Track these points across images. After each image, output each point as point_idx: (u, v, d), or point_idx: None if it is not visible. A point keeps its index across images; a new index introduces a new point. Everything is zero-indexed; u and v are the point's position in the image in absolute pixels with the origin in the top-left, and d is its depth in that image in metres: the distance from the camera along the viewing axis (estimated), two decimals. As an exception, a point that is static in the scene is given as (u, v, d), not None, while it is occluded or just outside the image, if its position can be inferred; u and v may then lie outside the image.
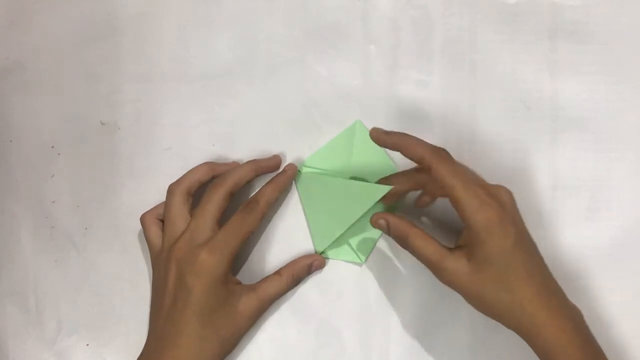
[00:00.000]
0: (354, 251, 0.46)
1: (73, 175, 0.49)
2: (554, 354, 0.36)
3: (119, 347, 0.47)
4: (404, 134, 0.41)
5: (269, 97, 0.48)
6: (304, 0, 0.48)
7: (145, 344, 0.42)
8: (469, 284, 0.38)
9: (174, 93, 0.49)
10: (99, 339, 0.47)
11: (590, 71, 0.47)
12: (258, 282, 0.43)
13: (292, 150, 0.47)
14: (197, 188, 0.44)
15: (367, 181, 0.45)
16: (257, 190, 0.44)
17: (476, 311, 0.39)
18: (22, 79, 0.49)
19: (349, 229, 0.45)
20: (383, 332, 0.46)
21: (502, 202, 0.38)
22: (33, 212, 0.49)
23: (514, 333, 0.38)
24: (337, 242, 0.46)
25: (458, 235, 0.41)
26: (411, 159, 0.40)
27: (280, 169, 0.46)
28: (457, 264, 0.38)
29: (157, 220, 0.44)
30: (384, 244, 0.46)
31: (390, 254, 0.46)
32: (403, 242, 0.41)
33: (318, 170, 0.47)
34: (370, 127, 0.46)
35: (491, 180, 0.46)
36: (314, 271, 0.46)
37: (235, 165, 0.46)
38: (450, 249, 0.39)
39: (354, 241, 0.46)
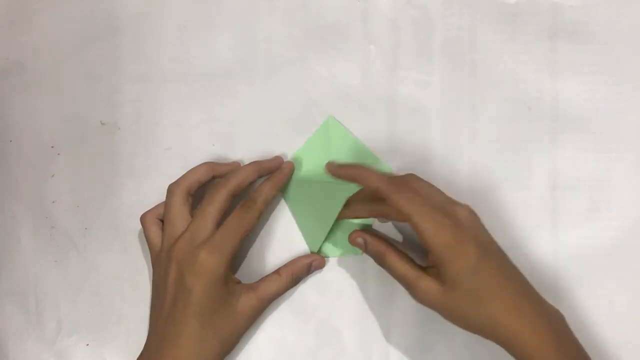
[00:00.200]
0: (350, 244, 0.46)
1: (73, 175, 0.49)
2: None
3: (119, 347, 0.47)
4: (359, 165, 0.42)
5: (269, 97, 0.48)
6: (304, 0, 0.48)
7: (145, 343, 0.42)
8: (441, 303, 0.38)
9: (174, 93, 0.49)
10: (99, 339, 0.47)
11: (590, 71, 0.47)
12: (257, 282, 0.43)
13: (292, 150, 0.47)
14: (197, 188, 0.44)
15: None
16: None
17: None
18: (22, 79, 0.49)
19: (339, 224, 0.45)
20: (383, 332, 0.46)
21: (460, 221, 0.38)
22: (33, 212, 0.49)
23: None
24: (332, 239, 0.46)
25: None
26: (368, 189, 0.41)
27: None
28: (428, 283, 0.39)
29: (157, 220, 0.44)
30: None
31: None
32: (379, 260, 0.42)
33: (298, 173, 0.47)
34: (368, 124, 0.47)
35: (491, 180, 0.46)
36: (313, 271, 0.46)
37: (235, 165, 0.46)
38: (423, 269, 0.40)
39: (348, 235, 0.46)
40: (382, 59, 0.48)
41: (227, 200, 0.42)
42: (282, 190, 0.47)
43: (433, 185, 0.42)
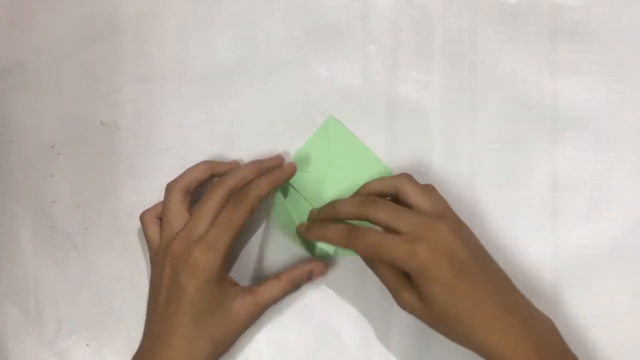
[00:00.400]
0: None
1: (73, 175, 0.49)
2: None
3: (119, 347, 0.47)
4: (319, 230, 0.42)
5: (269, 97, 0.48)
6: (304, 0, 0.48)
7: (141, 342, 0.42)
8: (422, 316, 0.39)
9: (174, 93, 0.49)
10: (99, 339, 0.47)
11: (590, 71, 0.47)
12: (255, 285, 0.43)
13: (293, 150, 0.47)
14: (195, 186, 0.44)
15: (352, 174, 0.46)
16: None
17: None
18: (22, 79, 0.49)
19: None
20: (383, 332, 0.46)
21: (430, 243, 0.38)
22: (33, 212, 0.49)
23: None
24: None
25: None
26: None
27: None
28: (409, 295, 0.39)
29: (156, 219, 0.44)
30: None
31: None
32: (369, 265, 0.42)
33: (298, 173, 0.47)
34: (368, 124, 0.47)
35: (491, 180, 0.46)
36: (314, 278, 0.45)
37: (235, 164, 0.46)
38: (408, 280, 0.39)
39: None
40: (382, 59, 0.48)
41: (224, 198, 0.42)
42: (283, 194, 0.47)
43: (422, 191, 0.41)
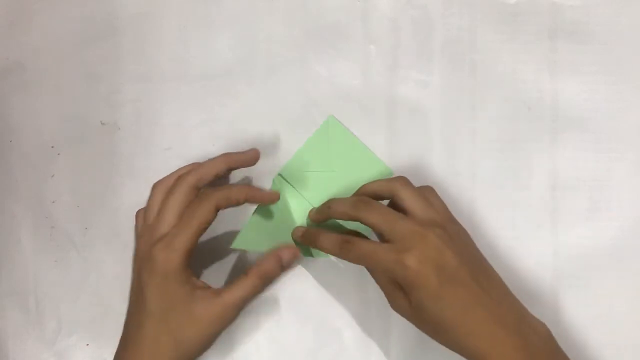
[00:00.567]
0: None
1: (73, 175, 0.49)
2: None
3: (119, 347, 0.47)
4: (313, 237, 0.42)
5: (269, 97, 0.48)
6: (304, 0, 0.48)
7: (118, 344, 0.42)
8: (413, 321, 0.39)
9: (174, 93, 0.49)
10: (99, 339, 0.47)
11: (590, 71, 0.47)
12: (223, 286, 0.41)
13: (292, 150, 0.47)
14: None
15: (352, 174, 0.46)
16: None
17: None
18: (22, 79, 0.49)
19: (337, 226, 0.45)
20: (383, 332, 0.46)
21: (420, 250, 0.37)
22: (33, 212, 0.49)
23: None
24: None
25: None
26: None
27: (256, 164, 0.45)
28: (401, 300, 0.39)
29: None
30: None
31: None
32: (367, 269, 0.42)
33: (299, 172, 0.47)
34: (368, 124, 0.47)
35: (491, 180, 0.46)
36: (287, 265, 0.42)
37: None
38: (400, 286, 0.39)
39: None
40: (382, 59, 0.48)
41: (187, 192, 0.41)
42: (261, 214, 0.46)
43: (418, 196, 0.41)
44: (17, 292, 0.48)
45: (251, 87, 0.48)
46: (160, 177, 0.45)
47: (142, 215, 0.44)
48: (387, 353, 0.46)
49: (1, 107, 0.49)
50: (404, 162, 0.47)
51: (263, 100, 0.48)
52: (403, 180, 0.42)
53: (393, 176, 0.44)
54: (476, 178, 0.47)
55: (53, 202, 0.48)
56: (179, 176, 0.42)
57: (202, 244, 0.43)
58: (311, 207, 0.46)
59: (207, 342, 0.40)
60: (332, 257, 0.46)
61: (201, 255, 0.45)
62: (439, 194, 0.42)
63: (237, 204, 0.41)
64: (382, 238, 0.39)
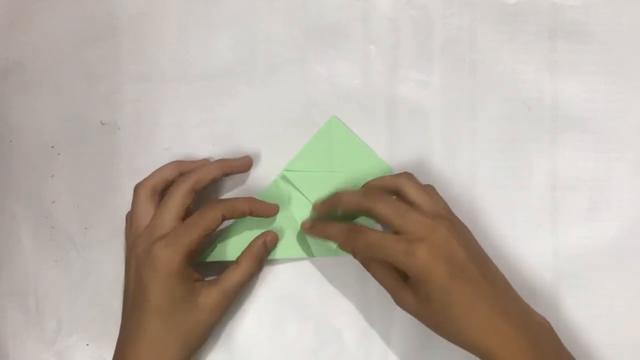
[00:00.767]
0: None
1: (73, 175, 0.49)
2: None
3: (119, 347, 0.47)
4: (321, 229, 0.43)
5: (269, 97, 0.48)
6: (304, 0, 0.48)
7: (116, 344, 0.42)
8: (419, 315, 0.39)
9: (174, 93, 0.49)
10: (99, 339, 0.47)
11: (590, 71, 0.47)
12: (219, 276, 0.43)
13: (292, 150, 0.47)
14: (163, 186, 0.44)
15: (354, 174, 0.46)
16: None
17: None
18: (22, 79, 0.49)
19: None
20: (383, 332, 0.46)
21: (429, 243, 0.38)
22: (33, 212, 0.49)
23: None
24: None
25: None
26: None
27: (250, 169, 0.47)
28: (407, 296, 0.39)
29: None
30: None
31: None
32: (366, 267, 0.42)
33: (299, 173, 0.47)
34: (368, 124, 0.47)
35: (491, 180, 0.46)
36: (270, 248, 0.45)
37: (203, 162, 0.46)
38: (405, 280, 0.40)
39: None
40: (382, 59, 0.48)
41: (186, 194, 0.42)
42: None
43: (423, 191, 0.41)
44: (17, 292, 0.48)
45: (251, 87, 0.48)
46: (160, 177, 0.45)
47: (130, 217, 0.44)
48: (387, 353, 0.46)
49: (1, 107, 0.49)
50: (404, 162, 0.47)
51: (263, 100, 0.48)
52: (408, 175, 0.43)
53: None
54: (476, 178, 0.47)
55: (53, 202, 0.48)
56: (179, 179, 0.43)
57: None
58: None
59: (209, 332, 0.42)
60: (332, 257, 0.46)
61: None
62: (439, 193, 0.43)
63: (242, 215, 0.44)
64: (392, 229, 0.39)
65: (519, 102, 0.47)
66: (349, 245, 0.41)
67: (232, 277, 0.43)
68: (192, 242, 0.40)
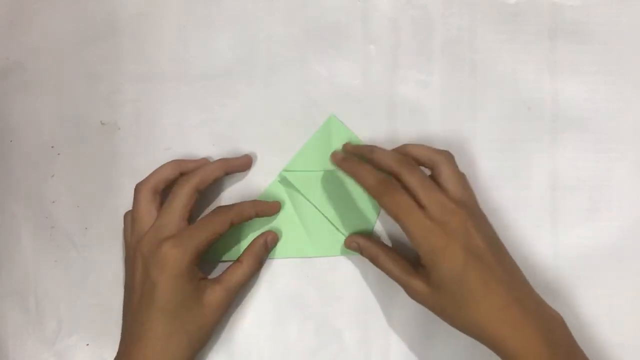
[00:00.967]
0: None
1: (73, 175, 0.49)
2: None
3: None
4: (356, 162, 0.43)
5: (269, 97, 0.48)
6: (304, 0, 0.48)
7: (119, 343, 0.42)
8: (430, 303, 0.39)
9: (174, 93, 0.49)
10: (99, 339, 0.47)
11: (590, 71, 0.47)
12: (221, 274, 0.43)
13: (292, 150, 0.47)
14: (164, 186, 0.44)
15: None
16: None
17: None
18: (22, 79, 0.49)
19: (342, 225, 0.46)
20: (383, 332, 0.46)
21: (449, 227, 0.38)
22: (33, 212, 0.49)
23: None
24: (333, 239, 0.46)
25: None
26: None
27: (250, 169, 0.47)
28: (419, 284, 0.39)
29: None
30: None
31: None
32: (374, 262, 0.43)
33: (300, 172, 0.47)
34: (368, 124, 0.47)
35: (491, 180, 0.46)
36: (271, 247, 0.46)
37: (203, 162, 0.46)
38: (415, 268, 0.40)
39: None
40: (382, 59, 0.48)
41: (190, 194, 0.42)
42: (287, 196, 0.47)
43: (456, 176, 0.42)
44: (17, 292, 0.48)
45: (251, 87, 0.48)
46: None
47: (130, 217, 0.44)
48: (387, 353, 0.46)
49: (1, 107, 0.49)
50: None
51: (263, 100, 0.48)
52: (448, 155, 0.43)
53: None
54: (476, 178, 0.47)
55: (53, 202, 0.49)
56: (182, 178, 0.43)
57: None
58: (312, 207, 0.46)
59: (212, 331, 0.42)
60: (333, 257, 0.46)
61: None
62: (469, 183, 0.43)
63: (249, 219, 0.44)
64: (418, 202, 0.39)
65: (519, 102, 0.47)
66: (374, 195, 0.40)
67: (235, 276, 0.43)
68: (201, 243, 0.41)
